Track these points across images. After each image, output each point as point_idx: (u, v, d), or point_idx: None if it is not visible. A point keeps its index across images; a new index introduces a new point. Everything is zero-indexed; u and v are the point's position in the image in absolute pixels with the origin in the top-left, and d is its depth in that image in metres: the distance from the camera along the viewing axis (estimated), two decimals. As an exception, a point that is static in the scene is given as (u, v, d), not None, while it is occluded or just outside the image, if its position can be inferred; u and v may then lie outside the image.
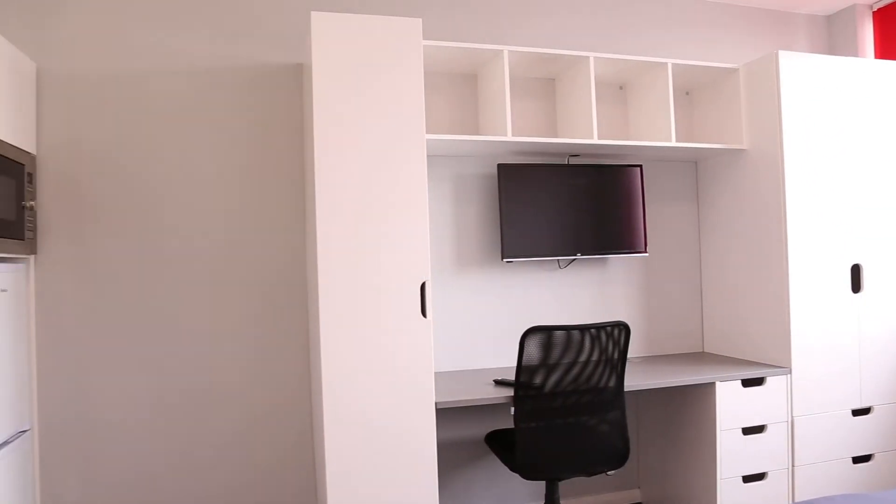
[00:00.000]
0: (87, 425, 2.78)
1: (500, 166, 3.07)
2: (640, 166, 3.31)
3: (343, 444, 2.44)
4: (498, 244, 3.22)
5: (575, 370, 2.51)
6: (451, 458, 3.15)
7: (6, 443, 2.46)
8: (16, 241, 2.53)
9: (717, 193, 3.44)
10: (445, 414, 3.12)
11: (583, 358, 2.50)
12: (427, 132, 3.02)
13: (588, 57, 3.02)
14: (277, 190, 2.98)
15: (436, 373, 3.05)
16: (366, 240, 2.49)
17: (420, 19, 2.59)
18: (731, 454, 2.88)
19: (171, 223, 2.87)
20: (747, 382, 2.92)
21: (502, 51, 2.89)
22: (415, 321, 2.52)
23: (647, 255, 3.35)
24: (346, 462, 2.45)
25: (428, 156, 3.11)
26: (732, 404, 2.89)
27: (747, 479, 2.92)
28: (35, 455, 2.74)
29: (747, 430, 2.92)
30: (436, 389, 2.64)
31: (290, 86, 3.01)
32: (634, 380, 2.79)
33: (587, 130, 3.03)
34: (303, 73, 3.02)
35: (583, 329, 2.46)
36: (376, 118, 2.52)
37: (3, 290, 2.48)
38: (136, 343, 2.82)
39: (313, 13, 2.48)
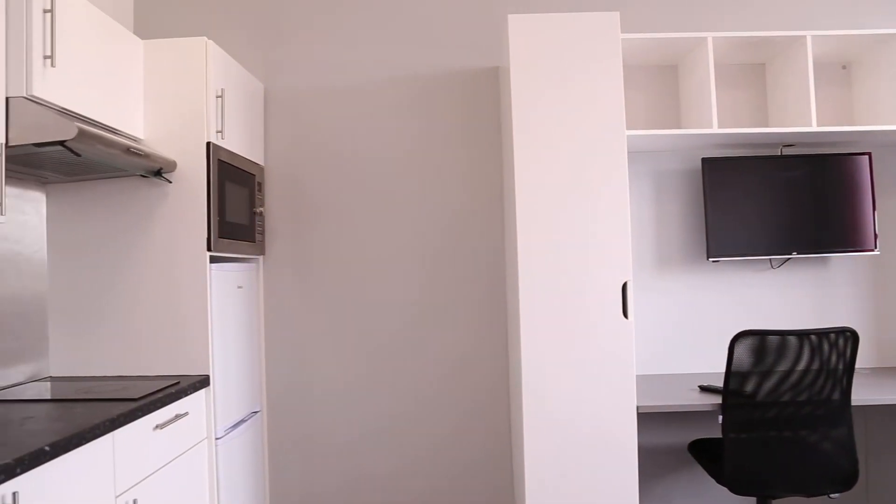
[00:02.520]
0: (305, 407, 3.06)
1: (704, 160, 2.91)
2: (869, 154, 2.96)
3: (542, 446, 2.45)
4: (702, 243, 3.05)
5: (792, 379, 2.30)
6: (652, 465, 3.03)
7: (242, 421, 2.78)
8: (249, 243, 2.85)
9: (967, 182, 2.98)
10: (646, 419, 3.01)
11: (800, 366, 2.29)
12: (626, 128, 2.94)
13: (804, 36, 2.76)
14: (477, 192, 3.06)
15: (636, 376, 2.95)
16: (565, 240, 2.48)
17: (617, 13, 2.53)
18: None
19: (378, 225, 3.07)
20: None
21: (706, 38, 2.73)
22: (616, 322, 2.46)
23: (876, 253, 2.98)
24: (544, 465, 2.45)
25: (627, 152, 3.02)
26: None
27: None
28: (264, 432, 3.06)
29: None
30: (637, 393, 2.56)
31: (489, 89, 3.08)
32: (863, 393, 2.50)
33: (804, 117, 2.77)
34: (499, 76, 3.07)
35: (801, 335, 2.25)
36: (575, 116, 2.50)
37: (240, 287, 2.81)
38: (347, 335, 3.06)
39: (510, 16, 2.51)
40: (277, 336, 3.09)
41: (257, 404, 3.00)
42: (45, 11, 1.95)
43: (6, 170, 2.18)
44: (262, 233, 3.02)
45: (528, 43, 2.51)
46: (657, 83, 3.09)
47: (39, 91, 1.92)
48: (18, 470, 1.42)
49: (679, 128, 3.07)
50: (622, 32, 2.84)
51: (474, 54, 3.10)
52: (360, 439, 3.05)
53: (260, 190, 3.00)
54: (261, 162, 3.05)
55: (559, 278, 2.47)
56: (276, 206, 3.10)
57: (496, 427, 3.03)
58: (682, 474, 3.04)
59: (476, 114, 3.08)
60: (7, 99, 1.87)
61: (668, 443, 3.03)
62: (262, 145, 3.09)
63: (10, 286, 2.35)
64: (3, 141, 1.83)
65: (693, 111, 2.90)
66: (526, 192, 2.48)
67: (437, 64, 3.10)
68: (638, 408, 2.44)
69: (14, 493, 1.41)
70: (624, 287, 2.47)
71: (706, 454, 2.60)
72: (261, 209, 2.98)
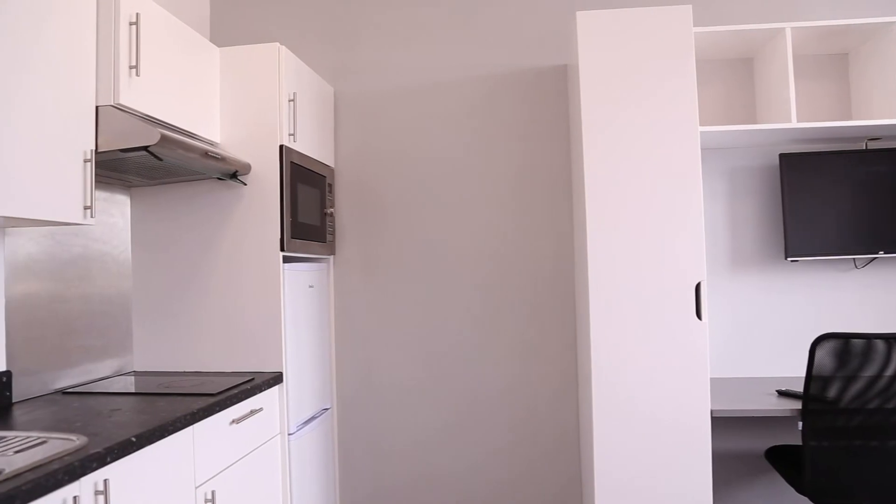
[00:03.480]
0: (374, 404, 3.11)
1: (782, 156, 2.80)
2: (964, 147, 2.78)
3: (612, 448, 2.41)
4: (780, 242, 2.94)
5: (879, 385, 2.19)
6: (726, 471, 2.94)
7: (313, 418, 2.84)
8: (320, 243, 2.91)
9: None
10: (720, 423, 2.92)
11: (889, 372, 2.17)
12: (700, 125, 2.86)
13: (893, 22, 2.62)
14: (545, 192, 3.04)
15: (710, 378, 2.87)
16: (637, 240, 2.43)
17: (689, 6, 2.46)
18: None
19: (444, 224, 3.08)
20: None
21: (784, 28, 2.63)
22: (689, 323, 2.40)
23: (973, 252, 2.80)
24: (614, 467, 2.41)
25: (701, 149, 2.94)
26: None
27: None
28: (334, 429, 3.13)
29: None
30: (710, 396, 2.48)
31: (556, 87, 3.06)
32: (960, 401, 2.35)
33: (893, 109, 2.63)
34: (567, 74, 3.04)
35: (890, 339, 2.14)
36: (646, 113, 2.45)
37: (311, 287, 2.87)
38: (415, 333, 3.09)
39: (578, 13, 2.48)
40: (347, 334, 3.15)
41: (328, 401, 3.06)
42: (130, 24, 2.05)
43: (95, 174, 2.30)
44: (333, 233, 3.08)
45: (598, 40, 2.48)
46: (731, 77, 3.00)
47: (125, 99, 2.02)
48: (109, 458, 1.50)
49: (755, 123, 2.96)
50: (694, 26, 2.76)
51: (542, 53, 3.07)
52: (427, 436, 3.08)
53: (330, 191, 3.06)
54: (331, 163, 3.11)
55: (630, 279, 2.42)
56: (345, 207, 3.16)
57: (564, 428, 3.00)
58: (759, 481, 2.94)
59: (544, 113, 3.06)
60: (97, 108, 1.97)
61: (744, 448, 2.93)
62: (333, 147, 3.16)
63: (99, 285, 2.47)
64: (93, 147, 1.94)
65: (770, 105, 2.80)
66: (596, 192, 2.45)
67: (504, 63, 3.09)
68: (712, 411, 2.37)
69: (105, 480, 1.48)
70: (697, 287, 2.41)
71: (784, 461, 2.50)
72: (331, 210, 3.04)
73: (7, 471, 1.30)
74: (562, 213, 3.03)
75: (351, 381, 3.14)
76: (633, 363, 2.42)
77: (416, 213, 3.11)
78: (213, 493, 1.98)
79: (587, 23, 2.48)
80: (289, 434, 2.55)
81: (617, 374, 2.42)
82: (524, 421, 3.02)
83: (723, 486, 2.93)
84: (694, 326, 2.40)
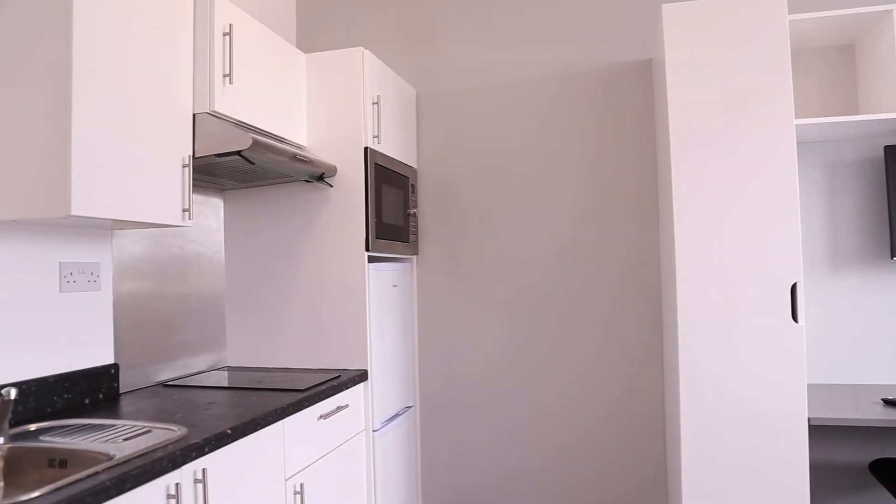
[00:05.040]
0: (456, 403, 3.13)
1: (887, 148, 2.63)
2: None
3: (700, 454, 2.33)
4: (884, 240, 2.76)
5: None
6: (824, 484, 2.79)
7: (397, 415, 2.89)
8: (404, 243, 2.95)
9: None
10: (818, 432, 2.77)
11: None
12: (795, 117, 2.72)
13: None
14: (629, 189, 2.97)
15: (808, 385, 2.73)
16: (728, 238, 2.34)
17: (784, -7, 2.35)
18: None
19: (526, 224, 3.07)
20: None
21: (890, 11, 2.47)
22: (784, 326, 2.29)
23: None
24: (703, 476, 2.33)
25: (796, 143, 2.80)
26: None
27: None
28: (417, 426, 3.16)
29: None
30: (808, 404, 2.36)
31: (640, 82, 2.98)
32: None
33: None
34: (652, 69, 2.97)
35: None
36: (737, 107, 2.35)
37: (395, 286, 2.92)
38: (496, 332, 3.09)
39: (664, 5, 2.42)
40: (430, 334, 3.18)
41: (411, 399, 3.10)
42: (224, 35, 2.14)
43: (192, 179, 2.42)
44: (416, 233, 3.12)
45: (684, 32, 2.40)
46: (830, 66, 2.84)
47: (220, 106, 2.12)
48: (207, 449, 1.57)
49: (857, 114, 2.79)
50: (789, 13, 2.63)
51: (625, 47, 3.01)
52: (509, 434, 3.07)
53: (413, 192, 3.11)
54: (414, 164, 3.15)
55: (721, 279, 2.33)
56: (428, 207, 3.19)
57: (648, 430, 2.92)
58: (861, 496, 2.77)
59: (627, 109, 2.99)
60: (194, 115, 2.08)
61: (844, 460, 2.77)
62: (415, 148, 3.20)
63: (195, 284, 2.60)
64: (191, 153, 2.04)
65: (873, 95, 2.63)
66: (683, 189, 2.38)
67: (586, 59, 3.04)
68: (810, 419, 2.25)
69: (203, 469, 1.56)
70: (793, 288, 2.29)
71: (892, 476, 2.35)
72: (414, 210, 3.08)
73: (118, 456, 1.39)
74: (647, 212, 2.95)
75: (434, 379, 3.18)
76: (724, 367, 2.33)
77: (497, 212, 3.11)
78: (301, 485, 2.04)
79: (673, 15, 2.41)
80: (373, 431, 2.60)
81: (706, 378, 2.33)
82: (606, 421, 2.97)
83: (821, 500, 2.78)
84: (790, 329, 2.28)
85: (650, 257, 2.94)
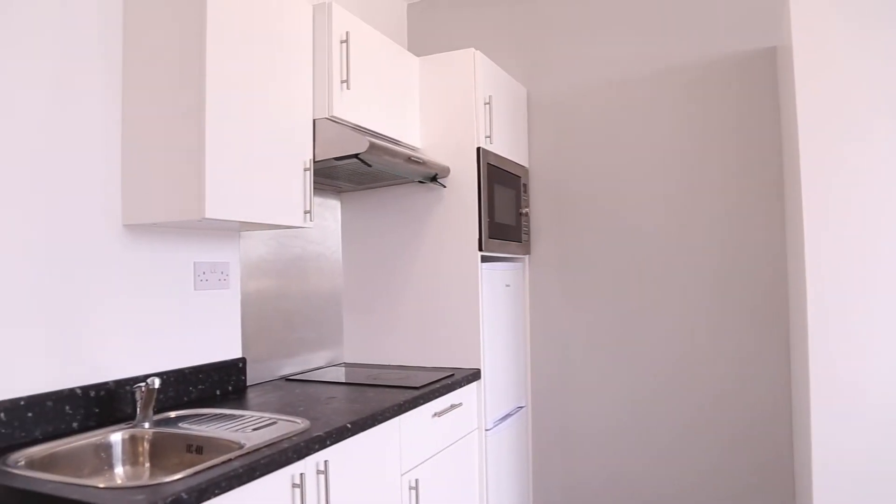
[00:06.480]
0: (567, 404, 3.08)
1: None
2: None
3: (837, 479, 2.16)
4: None
5: None
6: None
7: (509, 415, 2.88)
8: (516, 243, 2.94)
9: None
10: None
11: None
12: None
13: None
14: (753, 187, 2.80)
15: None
16: (869, 238, 2.15)
17: (935, -34, 2.14)
18: None
19: (642, 223, 2.96)
20: None
21: None
22: (935, 332, 2.08)
23: None
24: (838, 495, 2.16)
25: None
26: None
27: None
28: (529, 427, 3.14)
29: None
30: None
31: (763, 72, 2.81)
32: None
33: None
34: (777, 57, 2.79)
35: None
36: (879, 97, 2.16)
37: (507, 286, 2.91)
38: (610, 334, 3.00)
39: (794, -11, 2.26)
40: (542, 334, 3.15)
41: (523, 399, 3.08)
42: (341, 42, 2.22)
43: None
44: (528, 233, 3.10)
45: (815, 16, 2.23)
46: None
47: (338, 111, 2.19)
48: (328, 442, 1.63)
49: None
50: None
51: (744, 36, 2.83)
52: (622, 436, 2.98)
53: (525, 191, 3.09)
54: (525, 164, 3.13)
55: (858, 285, 2.15)
56: (540, 207, 3.16)
57: (774, 440, 2.74)
58: None
59: (749, 102, 2.82)
60: (314, 121, 2.16)
61: None
62: (527, 147, 3.17)
63: (316, 283, 2.71)
64: (311, 157, 2.12)
65: None
66: (815, 186, 2.20)
67: (703, 51, 2.90)
68: (966, 434, 2.04)
69: (325, 461, 1.62)
70: (946, 290, 2.08)
71: None
72: (526, 210, 3.06)
73: (248, 445, 1.47)
74: (773, 212, 2.77)
75: (546, 380, 3.14)
76: (863, 379, 2.14)
77: (612, 212, 3.02)
78: (416, 481, 2.08)
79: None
80: (486, 430, 2.61)
81: (842, 401, 2.15)
82: (723, 422, 2.81)
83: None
84: (942, 335, 2.07)
85: (778, 262, 2.76)
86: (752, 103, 2.81)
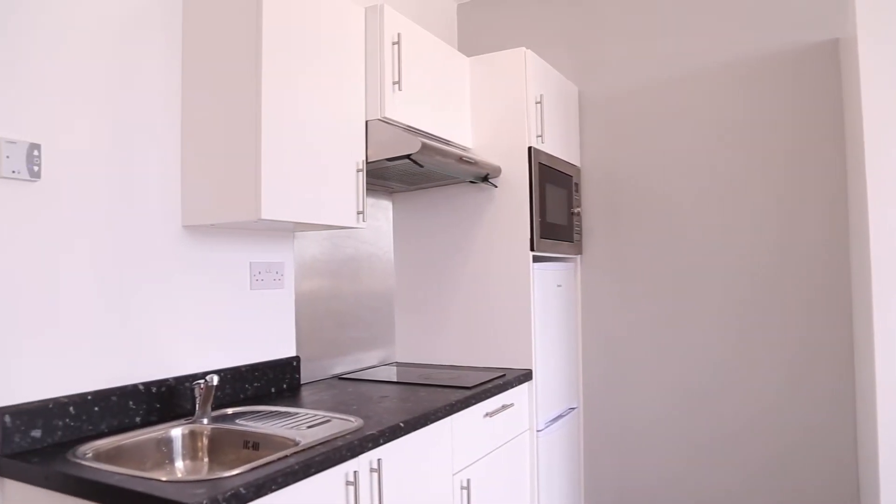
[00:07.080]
0: (619, 406, 3.03)
1: None
2: None
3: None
4: None
5: None
6: None
7: (560, 416, 2.85)
8: (568, 243, 2.91)
9: None
10: None
11: None
12: None
13: None
14: (813, 184, 2.71)
15: None
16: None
17: None
18: None
19: (697, 224, 2.90)
20: None
21: None
22: None
23: None
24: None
25: None
26: None
27: None
28: (580, 428, 3.11)
29: None
30: None
31: (825, 65, 2.70)
32: None
33: None
34: (839, 50, 2.68)
35: None
36: (950, 86, 2.06)
37: (559, 286, 2.89)
38: (662, 335, 2.95)
39: (860, -22, 2.17)
40: (593, 335, 3.11)
41: (574, 401, 3.05)
42: (393, 44, 2.23)
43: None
44: (580, 233, 3.07)
45: (881, 6, 2.14)
46: None
47: (390, 113, 2.21)
48: (381, 440, 1.64)
49: None
50: None
51: (804, 28, 2.73)
52: (674, 440, 2.91)
53: (577, 191, 3.05)
54: (577, 163, 3.10)
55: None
56: (592, 207, 3.12)
57: (836, 444, 2.64)
58: None
59: (810, 97, 2.72)
60: (366, 122, 2.18)
61: None
62: (578, 146, 3.14)
63: (368, 283, 2.73)
64: (364, 158, 2.14)
65: None
66: (880, 183, 2.12)
67: (760, 45, 2.81)
68: None
69: (378, 460, 1.63)
70: None
71: None
72: (578, 209, 3.03)
73: (303, 443, 1.49)
74: (835, 209, 2.67)
75: (597, 381, 3.10)
76: (937, 380, 2.05)
77: (666, 212, 2.96)
78: (468, 480, 2.08)
79: (871, -13, 2.16)
80: (537, 431, 2.59)
81: (914, 391, 2.07)
82: (786, 429, 2.72)
83: None
84: None
85: (840, 261, 2.66)
86: (813, 98, 2.71)
